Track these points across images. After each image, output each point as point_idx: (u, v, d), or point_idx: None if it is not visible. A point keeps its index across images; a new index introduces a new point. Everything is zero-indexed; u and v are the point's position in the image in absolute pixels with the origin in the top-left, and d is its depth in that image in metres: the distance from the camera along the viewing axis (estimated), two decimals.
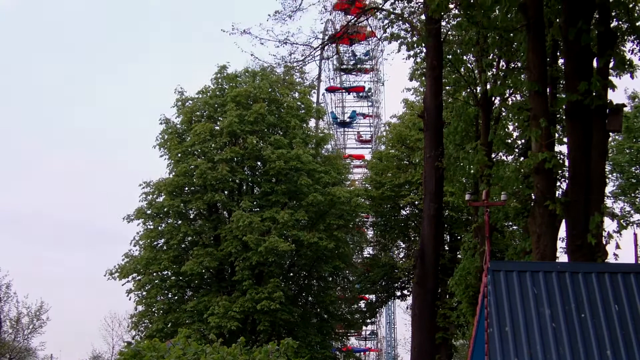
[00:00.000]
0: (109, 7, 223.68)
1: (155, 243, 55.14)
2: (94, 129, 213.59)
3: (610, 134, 27.16)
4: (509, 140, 39.60)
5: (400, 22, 38.70)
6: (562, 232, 27.93)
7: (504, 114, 39.02)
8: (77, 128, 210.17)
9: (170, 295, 55.82)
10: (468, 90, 39.46)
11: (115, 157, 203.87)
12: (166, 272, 54.85)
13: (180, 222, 54.92)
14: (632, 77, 28.87)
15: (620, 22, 28.87)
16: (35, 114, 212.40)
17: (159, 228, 55.17)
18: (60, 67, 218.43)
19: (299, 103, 58.95)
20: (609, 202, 51.32)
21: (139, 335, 54.84)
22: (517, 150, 39.83)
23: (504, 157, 40.79)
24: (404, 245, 67.43)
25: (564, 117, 29.88)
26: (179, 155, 54.89)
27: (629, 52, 29.05)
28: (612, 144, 53.20)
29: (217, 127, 55.33)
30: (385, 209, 63.74)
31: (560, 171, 31.74)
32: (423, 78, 40.57)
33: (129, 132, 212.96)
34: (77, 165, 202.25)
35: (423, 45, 36.37)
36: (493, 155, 38.30)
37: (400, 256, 67.71)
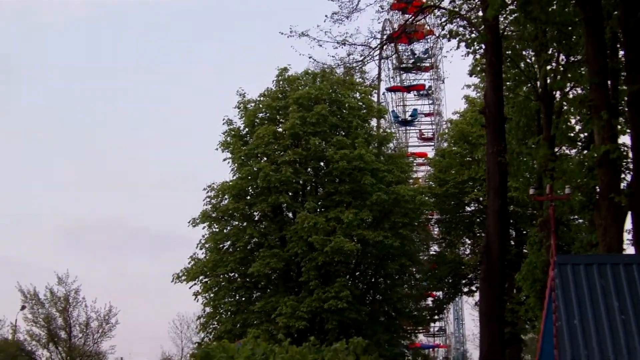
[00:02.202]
0: (168, 9, 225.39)
1: (221, 245, 55.52)
2: (155, 133, 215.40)
3: None
4: (572, 134, 39.37)
5: (458, 19, 38.64)
6: (629, 223, 27.84)
7: (565, 107, 38.77)
8: (138, 133, 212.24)
9: (237, 297, 56.14)
10: (528, 85, 39.33)
11: (178, 160, 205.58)
12: (233, 274, 55.25)
13: (245, 224, 55.23)
14: None
15: None
16: (94, 120, 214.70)
17: (225, 231, 55.53)
18: (119, 72, 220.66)
19: (360, 103, 58.94)
20: None
21: (207, 337, 55.23)
22: (579, 143, 39.62)
23: (566, 151, 40.59)
24: (469, 242, 67.29)
25: (626, 109, 29.73)
26: (242, 158, 55.27)
27: None
28: None
29: (280, 130, 55.65)
30: (449, 206, 63.62)
31: (624, 163, 31.56)
32: (483, 74, 40.48)
33: (191, 135, 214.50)
34: (141, 171, 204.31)
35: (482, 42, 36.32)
36: (556, 149, 38.12)
37: (467, 253, 67.62)
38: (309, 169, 56.11)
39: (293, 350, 17.07)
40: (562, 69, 37.04)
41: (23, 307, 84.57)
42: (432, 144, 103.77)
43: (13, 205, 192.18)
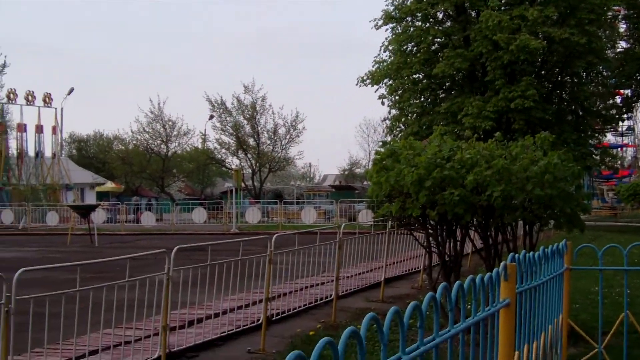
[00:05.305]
0: None
1: (405, 47, 55.51)
2: None
3: None
4: None
5: None
6: None
7: None
8: None
9: (422, 99, 56.41)
10: None
11: None
12: (417, 75, 55.26)
13: (428, 25, 54.96)
14: None
15: None
16: None
17: (408, 32, 55.40)
18: None
19: None
20: None
21: (394, 139, 55.96)
22: None
23: None
24: None
25: None
26: None
27: None
28: None
29: None
30: (637, 1, 61.45)
31: None
32: None
33: None
34: None
35: None
36: None
37: None
38: None
39: (480, 146, 17.19)
40: None
41: (211, 117, 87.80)
42: None
43: (198, 17, 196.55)
